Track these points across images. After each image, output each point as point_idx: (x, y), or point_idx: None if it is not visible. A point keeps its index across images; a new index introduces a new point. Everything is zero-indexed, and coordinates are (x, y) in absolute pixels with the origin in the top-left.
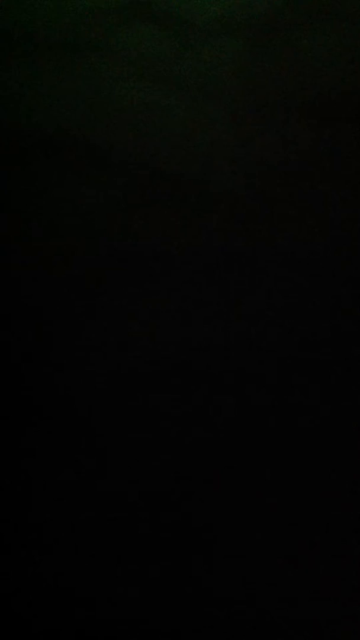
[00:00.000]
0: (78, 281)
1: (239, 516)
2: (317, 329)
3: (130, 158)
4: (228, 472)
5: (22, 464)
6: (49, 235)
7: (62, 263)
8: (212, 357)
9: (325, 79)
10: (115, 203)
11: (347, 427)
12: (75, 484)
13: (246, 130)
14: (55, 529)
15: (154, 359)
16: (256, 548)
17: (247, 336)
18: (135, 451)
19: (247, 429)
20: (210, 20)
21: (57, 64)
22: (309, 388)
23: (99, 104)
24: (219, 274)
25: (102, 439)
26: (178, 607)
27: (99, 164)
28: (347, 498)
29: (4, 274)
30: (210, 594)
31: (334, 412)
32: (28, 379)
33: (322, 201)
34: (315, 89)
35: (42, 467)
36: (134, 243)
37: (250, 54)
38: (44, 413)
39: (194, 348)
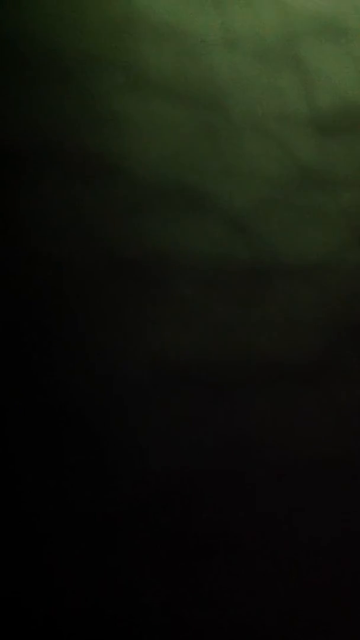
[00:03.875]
0: (78, 288)
1: (239, 518)
2: (317, 339)
3: (131, 167)
4: (228, 476)
5: (22, 466)
6: (49, 243)
7: (61, 270)
8: (212, 364)
9: (327, 91)
10: (116, 211)
11: (345, 436)
12: (75, 485)
13: (246, 142)
14: (53, 529)
15: (151, 366)
16: (255, 553)
17: (248, 345)
18: (131, 457)
19: (247, 436)
20: (212, 32)
21: (59, 76)
22: (309, 397)
23: (100, 114)
24: (220, 282)
25: (100, 443)
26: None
27: (99, 174)
28: (347, 500)
29: (3, 280)
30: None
31: (332, 421)
32: (27, 384)
33: (322, 212)
34: (317, 101)
35: (43, 467)
36: (135, 251)
37: (252, 65)
38: (44, 418)
39: (193, 355)
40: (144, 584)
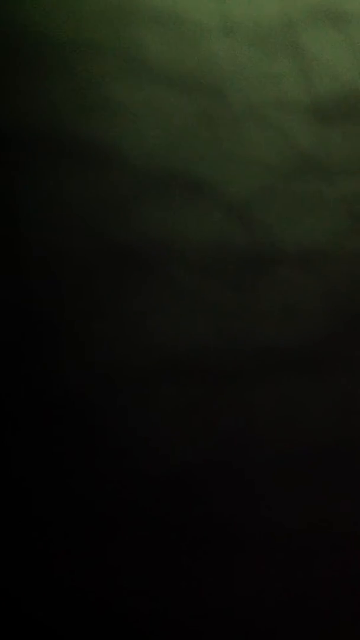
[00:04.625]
0: (73, 277)
1: (236, 511)
2: (317, 327)
3: (127, 155)
4: (228, 469)
5: (23, 458)
6: (43, 231)
7: (56, 259)
8: (209, 354)
9: (326, 78)
10: (112, 199)
11: (346, 426)
12: (74, 475)
13: (245, 129)
14: (53, 525)
15: (151, 355)
16: (256, 551)
17: (248, 334)
18: (130, 450)
19: (247, 427)
20: (212, 19)
21: (58, 62)
22: (309, 387)
23: (99, 101)
24: (219, 270)
25: (98, 434)
26: (176, 601)
27: (95, 161)
28: (348, 495)
29: (2, 272)
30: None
31: (334, 411)
32: (26, 374)
33: (321, 199)
34: (316, 88)
35: (41, 461)
36: (132, 239)
37: (250, 52)
38: (43, 408)
39: (192, 344)
40: (144, 583)
